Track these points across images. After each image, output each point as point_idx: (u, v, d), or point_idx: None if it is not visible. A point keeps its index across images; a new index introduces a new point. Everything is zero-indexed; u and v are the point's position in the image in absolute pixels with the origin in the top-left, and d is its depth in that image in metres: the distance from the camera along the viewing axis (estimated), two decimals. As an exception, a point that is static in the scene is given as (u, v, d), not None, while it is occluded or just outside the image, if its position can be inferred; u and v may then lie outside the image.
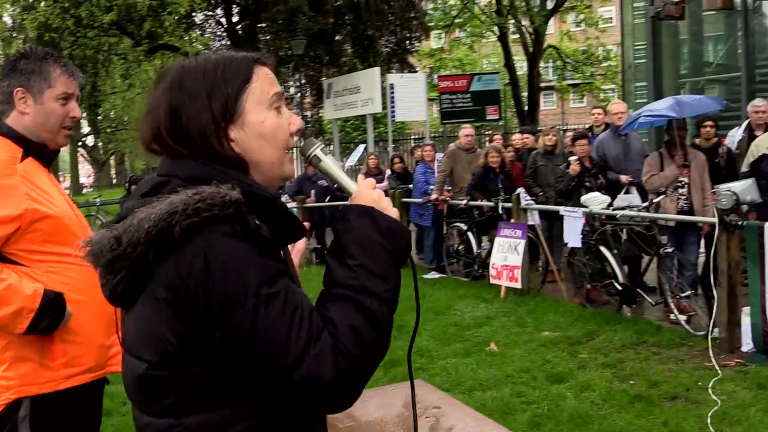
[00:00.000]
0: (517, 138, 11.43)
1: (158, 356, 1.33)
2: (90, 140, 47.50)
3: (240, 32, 22.77)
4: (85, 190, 47.27)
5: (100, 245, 1.32)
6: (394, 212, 1.47)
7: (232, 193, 1.31)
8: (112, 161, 54.48)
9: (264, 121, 1.46)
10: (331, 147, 22.54)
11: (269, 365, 1.28)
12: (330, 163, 1.57)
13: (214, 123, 1.42)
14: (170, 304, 1.30)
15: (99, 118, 34.69)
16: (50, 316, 2.29)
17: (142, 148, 1.50)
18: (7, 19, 22.67)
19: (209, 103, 1.42)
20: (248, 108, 1.45)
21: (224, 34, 23.49)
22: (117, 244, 1.29)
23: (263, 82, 1.47)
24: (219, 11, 23.13)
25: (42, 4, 18.36)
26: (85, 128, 44.71)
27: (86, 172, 58.14)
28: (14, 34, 27.96)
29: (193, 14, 21.18)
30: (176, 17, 18.53)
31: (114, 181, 52.54)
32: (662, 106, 7.44)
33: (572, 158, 8.20)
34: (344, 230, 1.43)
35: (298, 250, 1.74)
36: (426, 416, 2.89)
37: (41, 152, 2.45)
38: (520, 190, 8.87)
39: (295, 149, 1.60)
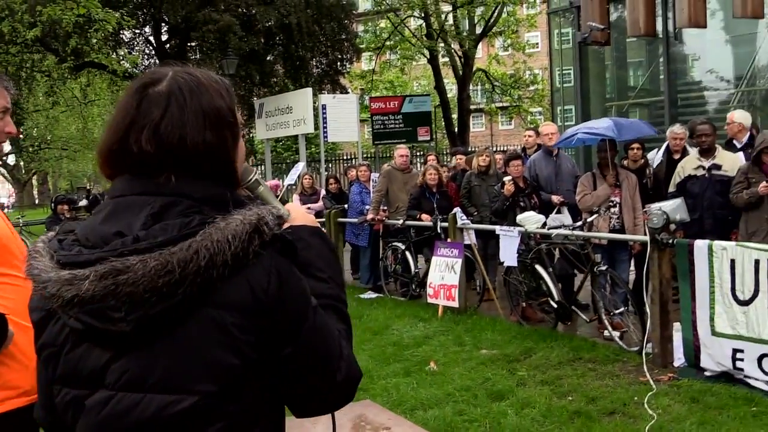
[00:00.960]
0: (457, 158, 11.58)
1: (219, 384, 1.28)
2: (11, 159, 45.92)
3: (169, 51, 22.42)
4: (6, 211, 45.51)
5: (140, 271, 1.23)
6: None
7: (282, 212, 1.35)
8: (34, 181, 52.77)
9: (242, 146, 1.50)
10: (263, 167, 22.36)
11: (323, 371, 1.37)
12: (265, 189, 1.65)
13: (233, 140, 1.42)
14: (241, 327, 1.28)
15: (21, 136, 33.59)
16: None
17: (109, 155, 1.40)
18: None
19: (228, 117, 1.41)
20: (240, 131, 1.47)
21: (153, 52, 23.11)
22: (181, 267, 1.23)
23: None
24: (147, 29, 22.75)
25: (-39, 19, 17.72)
26: (6, 147, 43.09)
27: (7, 192, 56.13)
28: (-69, 49, 26.93)
29: (121, 32, 20.76)
30: (103, 35, 18.11)
31: (36, 201, 50.87)
32: (601, 126, 7.66)
33: (506, 178, 8.33)
34: (304, 247, 1.49)
35: None
36: (380, 436, 2.85)
37: None
38: (457, 210, 8.96)
39: None
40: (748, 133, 8.04)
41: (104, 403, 1.31)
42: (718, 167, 7.27)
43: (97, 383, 1.32)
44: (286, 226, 1.50)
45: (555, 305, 7.49)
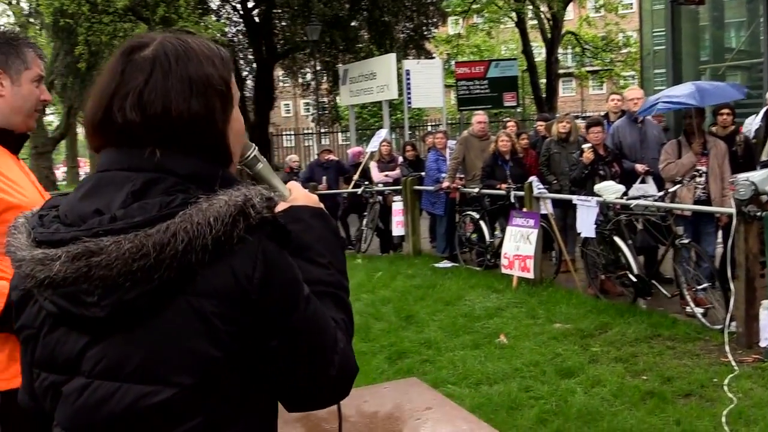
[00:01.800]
0: (538, 125, 11.20)
1: (197, 376, 1.19)
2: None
3: (256, 18, 22.60)
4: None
5: (114, 253, 1.14)
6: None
7: (272, 193, 1.25)
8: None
9: (240, 119, 1.37)
10: (348, 134, 22.41)
11: (313, 365, 1.27)
12: (265, 166, 1.52)
13: (223, 111, 1.30)
14: (222, 316, 1.18)
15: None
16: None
17: (94, 126, 1.29)
18: (24, 5, 22.68)
19: (218, 85, 1.30)
20: (234, 103, 1.35)
21: (240, 20, 23.35)
22: (156, 251, 1.14)
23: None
24: (234, -4, 23.01)
25: (57, -11, 18.31)
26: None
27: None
28: (31, 20, 28.06)
29: (209, -1, 21.09)
30: (191, 2, 18.41)
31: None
32: (682, 93, 7.19)
33: (585, 146, 7.99)
34: (304, 230, 1.41)
35: None
36: (416, 419, 2.75)
37: (7, 138, 2.31)
38: (533, 179, 8.68)
39: None
40: None
41: (80, 391, 1.24)
42: (817, 134, 6.76)
43: (74, 369, 1.25)
44: (286, 206, 1.42)
45: (634, 279, 7.17)
